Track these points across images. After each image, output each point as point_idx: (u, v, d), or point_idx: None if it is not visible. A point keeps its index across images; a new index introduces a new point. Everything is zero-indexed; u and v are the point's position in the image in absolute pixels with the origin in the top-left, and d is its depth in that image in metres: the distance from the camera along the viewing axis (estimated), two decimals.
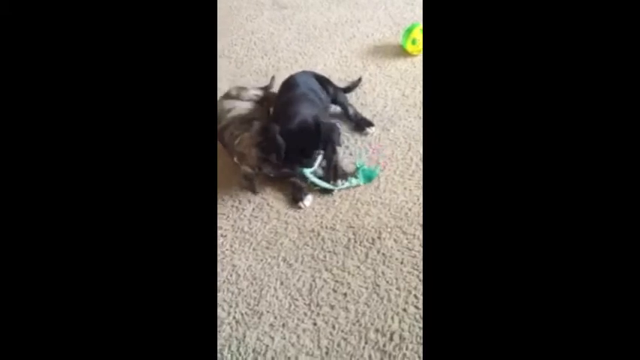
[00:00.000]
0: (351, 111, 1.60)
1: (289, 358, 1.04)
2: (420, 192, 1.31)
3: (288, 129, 1.36)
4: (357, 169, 1.41)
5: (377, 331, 1.05)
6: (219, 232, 1.33)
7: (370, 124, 1.56)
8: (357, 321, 1.07)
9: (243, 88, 1.69)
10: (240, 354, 1.06)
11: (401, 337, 1.02)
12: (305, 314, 1.11)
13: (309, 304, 1.12)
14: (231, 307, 1.15)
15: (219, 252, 1.28)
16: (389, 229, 1.24)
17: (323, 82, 1.64)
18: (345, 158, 1.47)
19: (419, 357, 0.98)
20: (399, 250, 1.19)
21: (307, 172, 1.37)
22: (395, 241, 1.22)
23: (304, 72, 1.67)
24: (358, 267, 1.18)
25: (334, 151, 1.44)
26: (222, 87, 1.79)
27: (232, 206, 1.40)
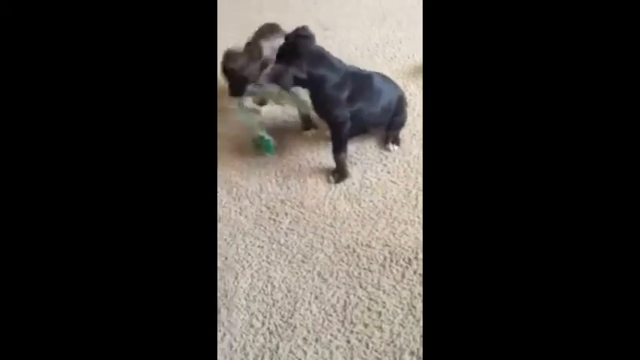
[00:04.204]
0: None
1: None
2: None
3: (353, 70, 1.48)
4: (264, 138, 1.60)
5: (412, 353, 1.03)
6: (256, 243, 1.35)
7: (397, 141, 1.58)
8: (392, 341, 1.06)
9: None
10: None
11: None
12: (338, 330, 1.10)
13: (343, 321, 1.12)
14: (265, 317, 1.16)
15: (256, 263, 1.30)
16: None
17: None
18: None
19: None
20: None
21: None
22: None
23: None
24: (394, 286, 1.17)
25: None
26: None
27: (269, 218, 1.42)
